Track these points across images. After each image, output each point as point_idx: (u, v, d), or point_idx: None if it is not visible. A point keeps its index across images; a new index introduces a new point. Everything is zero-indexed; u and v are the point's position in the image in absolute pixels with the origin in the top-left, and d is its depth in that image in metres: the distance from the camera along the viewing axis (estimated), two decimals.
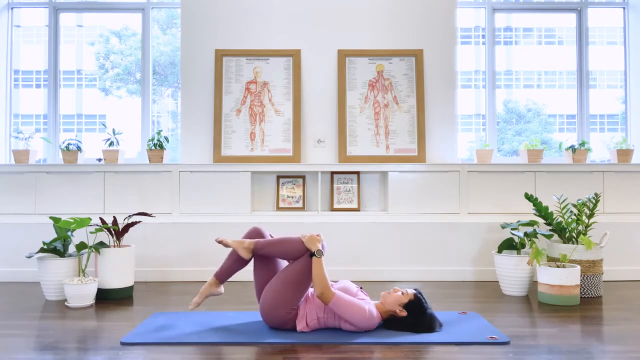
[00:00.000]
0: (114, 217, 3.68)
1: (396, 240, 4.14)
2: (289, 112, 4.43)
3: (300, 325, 2.70)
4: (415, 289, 2.78)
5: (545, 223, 3.75)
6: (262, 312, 2.75)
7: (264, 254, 2.80)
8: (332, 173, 4.39)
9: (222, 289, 2.96)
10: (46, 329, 2.84)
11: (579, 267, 3.39)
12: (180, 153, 4.50)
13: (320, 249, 2.68)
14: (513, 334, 2.72)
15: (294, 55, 4.47)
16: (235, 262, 2.86)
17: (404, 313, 2.69)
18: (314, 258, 2.66)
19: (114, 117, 4.90)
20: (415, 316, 2.69)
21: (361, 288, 2.83)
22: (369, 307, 2.67)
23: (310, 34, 4.50)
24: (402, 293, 2.72)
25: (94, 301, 3.37)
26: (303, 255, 2.71)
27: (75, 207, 4.23)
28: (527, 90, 5.00)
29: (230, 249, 2.87)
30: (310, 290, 2.83)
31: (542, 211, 3.73)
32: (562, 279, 3.31)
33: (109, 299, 3.46)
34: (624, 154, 4.41)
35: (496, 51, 4.81)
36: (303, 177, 4.41)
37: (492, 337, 2.61)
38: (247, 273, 2.97)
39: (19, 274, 4.05)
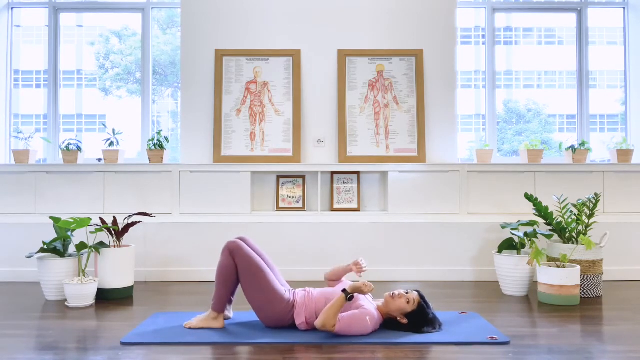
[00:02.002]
0: (114, 217, 3.68)
1: (396, 240, 4.14)
2: (289, 112, 4.43)
3: (299, 320, 2.71)
4: (417, 291, 2.74)
5: (545, 223, 3.74)
6: (259, 318, 2.80)
7: (228, 296, 2.81)
8: (332, 173, 4.39)
9: (230, 312, 2.96)
10: (46, 329, 2.84)
11: (579, 267, 3.39)
12: (180, 153, 4.50)
13: (353, 296, 2.64)
14: (513, 334, 2.72)
15: (294, 55, 4.47)
16: (226, 290, 2.84)
17: (405, 321, 2.68)
18: (342, 295, 2.61)
19: (114, 117, 4.90)
20: (415, 324, 2.67)
21: None
22: (369, 314, 2.64)
23: (310, 34, 4.50)
24: (408, 301, 2.67)
25: (94, 301, 3.37)
26: (234, 266, 2.74)
27: (75, 207, 4.23)
28: (527, 90, 5.00)
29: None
30: (309, 288, 2.84)
31: (542, 211, 3.73)
32: (562, 279, 3.31)
33: (109, 299, 3.46)
34: (624, 154, 4.41)
35: (496, 51, 4.81)
36: (303, 177, 4.41)
37: (492, 337, 2.61)
38: None
39: (19, 274, 4.05)
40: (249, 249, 2.79)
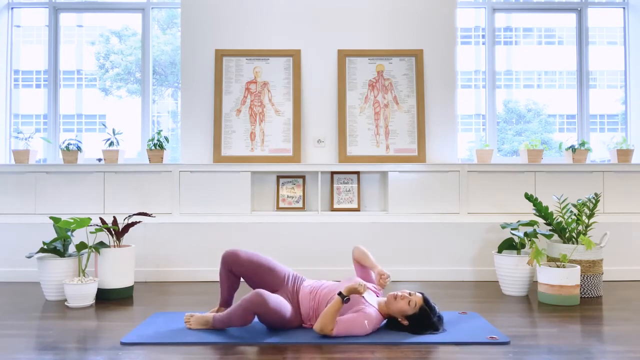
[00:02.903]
0: (114, 217, 3.68)
1: (396, 240, 4.13)
2: (289, 112, 4.43)
3: (307, 324, 2.77)
4: (422, 294, 2.70)
5: (545, 223, 3.74)
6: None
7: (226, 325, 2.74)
8: (332, 173, 4.39)
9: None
10: (46, 329, 2.84)
11: (579, 267, 3.39)
12: (180, 153, 4.50)
13: (349, 298, 2.61)
14: (513, 334, 2.72)
15: (294, 55, 4.47)
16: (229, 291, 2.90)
17: (406, 323, 2.66)
18: (338, 298, 2.58)
19: (114, 117, 4.90)
20: (416, 327, 2.65)
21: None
22: (368, 317, 2.62)
23: (310, 34, 4.50)
24: (410, 303, 2.63)
25: (94, 301, 3.37)
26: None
27: (75, 207, 4.23)
28: (527, 90, 5.00)
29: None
30: (315, 289, 2.82)
31: (542, 211, 3.73)
32: (562, 279, 3.31)
33: (109, 299, 3.46)
34: (624, 154, 4.41)
35: (496, 51, 4.81)
36: (303, 177, 4.41)
37: (492, 337, 2.61)
38: None
39: (19, 274, 4.05)
40: (273, 300, 2.61)
